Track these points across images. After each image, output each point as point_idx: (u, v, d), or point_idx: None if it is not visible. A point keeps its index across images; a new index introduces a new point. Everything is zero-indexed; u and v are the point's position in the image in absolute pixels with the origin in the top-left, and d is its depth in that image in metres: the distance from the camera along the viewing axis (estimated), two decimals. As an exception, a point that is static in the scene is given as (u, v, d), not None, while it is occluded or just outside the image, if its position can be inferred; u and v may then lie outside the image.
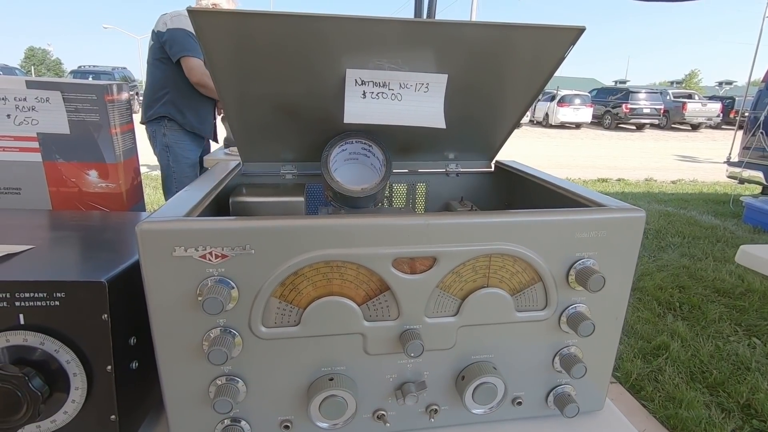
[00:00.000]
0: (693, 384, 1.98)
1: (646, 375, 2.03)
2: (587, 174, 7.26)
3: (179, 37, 2.10)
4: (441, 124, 0.58)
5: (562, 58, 0.57)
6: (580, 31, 0.53)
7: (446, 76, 0.56)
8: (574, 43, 0.55)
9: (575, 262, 0.48)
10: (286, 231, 0.41)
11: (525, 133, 14.10)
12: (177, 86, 2.20)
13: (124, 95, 0.79)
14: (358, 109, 0.55)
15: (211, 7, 2.22)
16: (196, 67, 2.15)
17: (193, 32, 0.47)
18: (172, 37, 2.11)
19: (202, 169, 2.55)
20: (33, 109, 0.72)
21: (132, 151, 0.82)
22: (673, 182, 6.97)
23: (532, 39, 0.54)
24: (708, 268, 3.25)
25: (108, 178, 0.77)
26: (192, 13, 0.45)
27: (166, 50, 2.14)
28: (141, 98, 2.43)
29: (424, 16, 2.23)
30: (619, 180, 6.93)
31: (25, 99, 0.72)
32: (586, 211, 0.49)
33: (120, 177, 0.77)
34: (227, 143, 2.56)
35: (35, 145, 0.74)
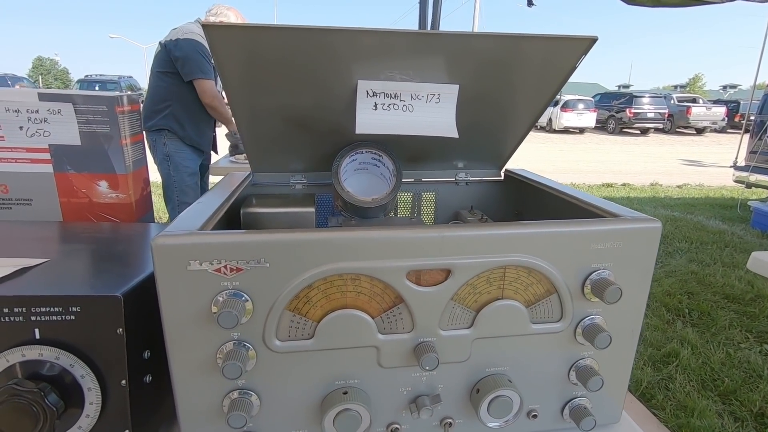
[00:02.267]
0: (704, 392, 1.95)
1: (657, 383, 2.00)
2: (592, 179, 7.24)
3: (193, 57, 2.14)
4: (453, 133, 0.58)
5: (574, 68, 0.57)
6: (593, 41, 0.52)
7: (457, 86, 0.56)
8: (586, 53, 0.54)
9: (591, 274, 0.47)
10: (300, 244, 0.41)
11: (529, 138, 13.97)
12: (180, 100, 2.23)
13: (135, 106, 0.80)
14: (369, 121, 0.55)
15: (218, 23, 2.25)
16: (207, 90, 2.21)
17: (205, 51, 0.48)
18: (186, 56, 2.14)
19: (204, 177, 2.57)
20: (45, 120, 0.73)
21: (141, 162, 0.83)
22: (679, 187, 6.93)
23: (543, 49, 0.54)
24: (717, 273, 3.22)
25: (118, 188, 0.77)
26: (205, 27, 0.45)
27: (175, 65, 2.17)
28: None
29: (428, 26, 2.24)
30: (624, 185, 6.89)
31: (37, 111, 0.73)
32: (602, 221, 0.48)
33: (130, 187, 0.78)
34: (232, 151, 2.58)
35: (47, 156, 0.75)
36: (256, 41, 0.48)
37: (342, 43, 0.50)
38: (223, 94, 2.11)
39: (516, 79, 0.58)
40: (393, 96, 0.55)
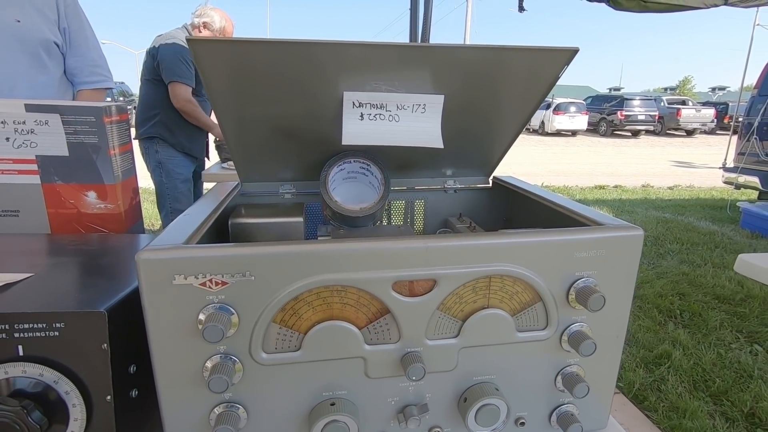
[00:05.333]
0: (696, 393, 1.96)
1: (649, 384, 2.02)
2: (584, 181, 7.29)
3: (170, 61, 2.14)
4: (438, 144, 0.59)
5: (557, 78, 0.57)
6: (574, 52, 0.53)
7: (443, 96, 0.57)
8: (568, 64, 0.55)
9: (575, 282, 0.48)
10: (285, 256, 0.41)
11: (521, 141, 14.18)
12: (168, 107, 2.22)
13: (123, 116, 0.80)
14: (356, 131, 0.56)
15: (202, 25, 2.25)
16: (179, 94, 2.19)
17: (186, 56, 0.48)
18: (162, 60, 2.15)
19: (197, 184, 2.56)
20: (32, 132, 0.73)
21: (131, 171, 0.82)
22: (670, 188, 7.00)
23: (527, 60, 0.55)
24: (707, 274, 3.25)
25: (107, 198, 0.77)
26: (190, 41, 0.45)
27: (159, 71, 2.17)
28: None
29: (419, 37, 2.26)
30: (616, 187, 6.96)
31: (24, 122, 0.72)
32: (585, 230, 0.49)
33: (119, 197, 0.77)
34: (224, 158, 2.57)
35: (34, 167, 0.74)
36: (241, 55, 0.49)
37: (327, 56, 0.50)
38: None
39: (501, 89, 0.59)
40: (379, 106, 0.56)
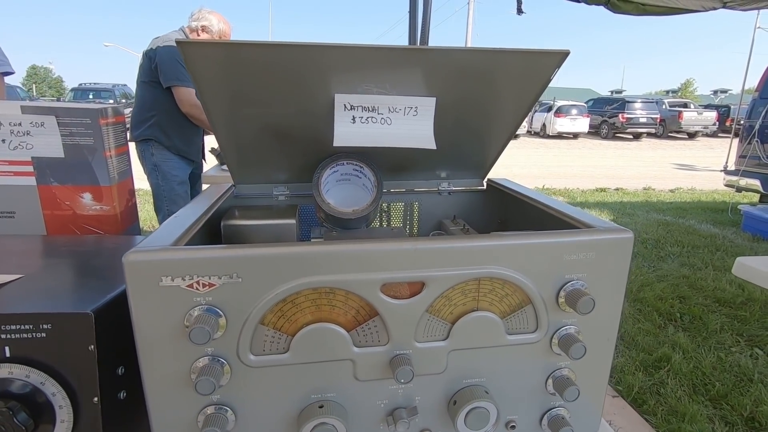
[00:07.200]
0: (696, 397, 1.95)
1: (648, 388, 2.01)
2: (586, 184, 7.28)
3: (170, 64, 2.13)
4: (431, 145, 0.59)
5: (549, 80, 0.57)
6: (565, 54, 0.53)
7: (434, 99, 0.57)
8: (559, 66, 0.55)
9: (565, 284, 0.48)
10: (273, 258, 0.41)
11: (523, 143, 14.20)
12: (164, 110, 2.22)
13: (119, 118, 0.80)
14: (347, 133, 0.56)
15: (200, 28, 2.25)
16: (184, 98, 2.17)
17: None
18: (162, 63, 2.13)
19: (196, 186, 2.56)
20: (28, 133, 0.73)
21: (126, 173, 0.83)
22: (671, 191, 6.98)
23: (519, 63, 0.55)
24: (708, 277, 3.24)
25: (102, 200, 0.77)
26: (180, 44, 0.46)
27: (156, 73, 2.17)
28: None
29: (418, 36, 2.27)
30: (617, 189, 6.94)
31: (20, 124, 0.73)
32: (575, 232, 0.49)
33: (114, 199, 0.78)
34: (221, 160, 2.58)
35: (30, 169, 0.74)
36: (233, 58, 0.49)
37: (318, 58, 0.50)
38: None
39: (493, 92, 0.59)
40: (371, 109, 0.56)
